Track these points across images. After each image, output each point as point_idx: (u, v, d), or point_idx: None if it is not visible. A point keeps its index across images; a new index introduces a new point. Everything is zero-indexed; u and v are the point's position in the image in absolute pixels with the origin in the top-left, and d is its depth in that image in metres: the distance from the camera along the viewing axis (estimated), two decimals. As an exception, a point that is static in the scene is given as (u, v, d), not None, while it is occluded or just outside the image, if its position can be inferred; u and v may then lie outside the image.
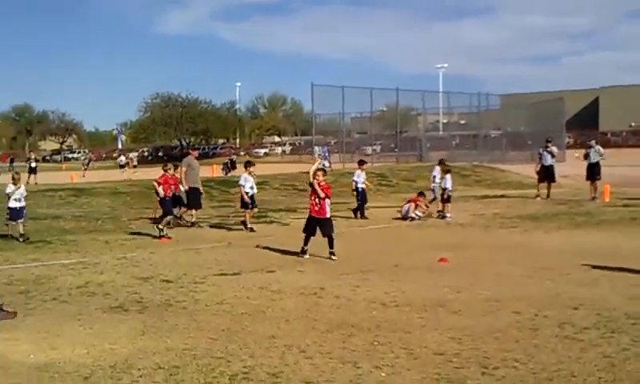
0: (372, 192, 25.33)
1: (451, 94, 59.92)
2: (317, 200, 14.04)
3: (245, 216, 19.06)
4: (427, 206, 21.85)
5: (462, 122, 63.82)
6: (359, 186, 22.40)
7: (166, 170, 18.84)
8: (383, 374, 6.77)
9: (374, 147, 55.46)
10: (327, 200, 14.09)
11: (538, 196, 27.22)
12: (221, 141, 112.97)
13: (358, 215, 21.70)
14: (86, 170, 60.16)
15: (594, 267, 12.05)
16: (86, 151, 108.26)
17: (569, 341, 7.73)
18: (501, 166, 45.79)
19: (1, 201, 18.55)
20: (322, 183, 14.19)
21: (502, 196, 29.64)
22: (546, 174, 27.45)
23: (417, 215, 20.97)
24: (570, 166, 36.27)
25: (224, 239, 17.19)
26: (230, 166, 50.19)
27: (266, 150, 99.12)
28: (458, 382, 6.51)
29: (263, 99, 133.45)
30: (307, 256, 13.94)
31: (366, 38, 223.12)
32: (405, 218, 21.01)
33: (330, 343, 7.83)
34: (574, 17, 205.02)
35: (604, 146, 30.95)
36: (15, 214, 17.30)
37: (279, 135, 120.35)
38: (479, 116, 56.83)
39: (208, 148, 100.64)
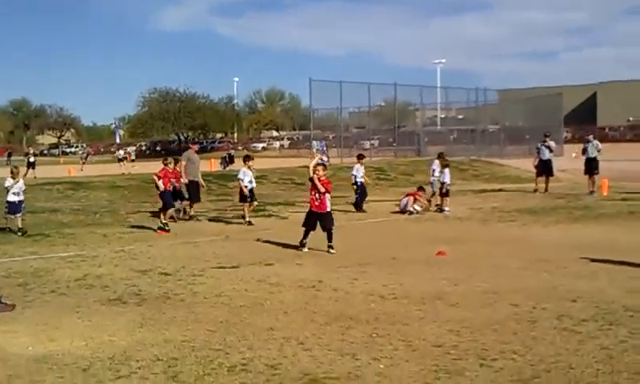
0: (370, 186, 25.31)
1: (449, 89, 59.83)
2: (317, 195, 14.04)
3: (243, 210, 19.06)
4: (429, 201, 21.83)
5: (460, 116, 63.77)
6: (358, 180, 22.42)
7: (166, 164, 18.81)
8: (382, 366, 6.77)
9: (372, 142, 55.45)
10: (327, 195, 14.08)
11: (536, 190, 27.24)
12: (219, 135, 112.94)
13: (359, 208, 21.75)
14: (84, 163, 60.17)
15: (593, 260, 12.06)
16: (84, 145, 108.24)
17: (567, 333, 7.74)
18: (499, 160, 45.82)
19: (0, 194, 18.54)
20: (322, 178, 14.19)
21: (500, 190, 29.65)
22: (544, 169, 27.48)
23: (415, 209, 20.96)
24: (568, 161, 36.31)
25: (222, 232, 17.20)
26: (228, 160, 50.21)
27: (264, 145, 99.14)
28: (456, 373, 6.52)
29: (261, 94, 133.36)
30: (306, 249, 13.96)
31: (363, 33, 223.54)
32: (403, 211, 21.01)
33: (328, 335, 7.84)
34: (572, 12, 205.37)
35: (602, 141, 30.94)
36: (14, 208, 17.28)
37: (277, 130, 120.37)
38: (477, 111, 56.78)
39: (206, 142, 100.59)
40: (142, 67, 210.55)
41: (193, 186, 20.21)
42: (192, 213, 20.21)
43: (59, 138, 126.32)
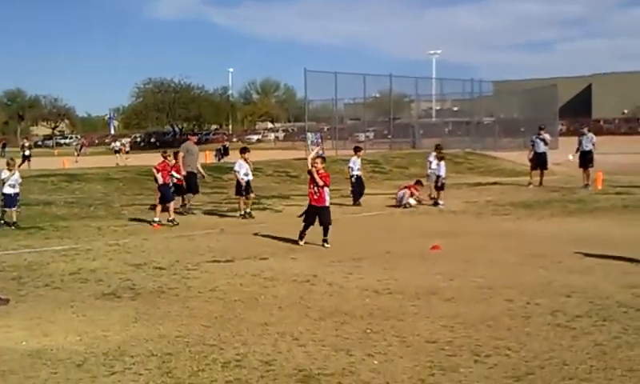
0: (364, 179, 25.26)
1: (444, 80, 59.82)
2: (315, 188, 13.97)
3: (239, 202, 19.04)
4: (430, 197, 21.78)
5: (455, 108, 63.71)
6: (355, 172, 22.36)
7: (165, 157, 18.75)
8: (376, 362, 6.78)
9: (367, 134, 55.33)
10: (326, 188, 14.02)
11: (530, 183, 27.26)
12: (213, 127, 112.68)
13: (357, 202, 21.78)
14: (78, 155, 60.04)
15: (587, 255, 12.08)
16: (79, 137, 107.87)
17: (561, 329, 7.76)
18: (493, 153, 45.80)
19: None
20: (321, 171, 14.09)
21: (495, 183, 29.65)
22: (539, 162, 27.48)
23: (409, 204, 20.94)
24: (563, 154, 36.28)
25: (217, 226, 17.18)
26: (223, 152, 50.09)
27: (259, 136, 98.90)
28: (450, 369, 6.53)
29: (256, 85, 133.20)
30: (302, 243, 13.91)
31: (358, 24, 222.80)
32: (399, 204, 21.00)
33: (322, 331, 7.85)
34: (567, 4, 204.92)
35: (597, 134, 30.99)
36: (9, 201, 17.23)
37: (272, 121, 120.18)
38: (472, 103, 56.72)
39: (201, 134, 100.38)
40: (136, 56, 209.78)
41: (191, 178, 20.20)
42: (189, 205, 20.17)
43: (53, 129, 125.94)
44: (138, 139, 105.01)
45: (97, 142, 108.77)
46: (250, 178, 19.12)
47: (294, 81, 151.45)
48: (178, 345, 7.39)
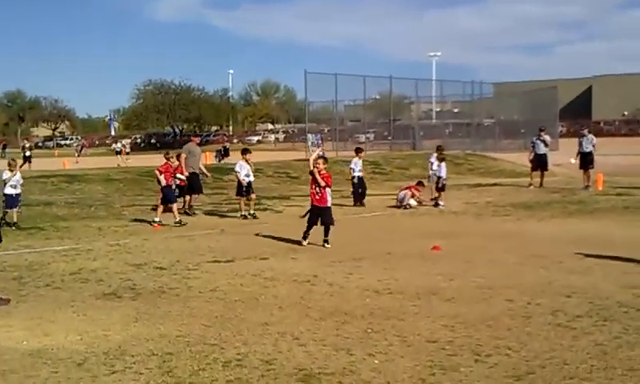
0: (365, 180, 25.26)
1: (444, 82, 59.83)
2: (317, 189, 13.95)
3: (239, 203, 19.06)
4: (432, 199, 21.75)
5: (456, 110, 63.68)
6: (356, 173, 22.35)
7: (168, 159, 18.75)
8: (377, 361, 6.78)
9: (368, 135, 55.33)
10: (328, 189, 14.00)
11: (531, 184, 27.27)
12: (214, 128, 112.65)
13: (358, 203, 21.76)
14: (78, 156, 60.05)
15: (587, 255, 12.08)
16: (79, 138, 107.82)
17: (561, 329, 7.76)
18: (494, 154, 45.81)
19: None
20: (323, 172, 14.07)
21: (495, 184, 29.68)
22: (539, 163, 27.50)
23: (409, 205, 20.93)
24: (563, 155, 36.28)
25: (217, 226, 17.18)
26: (224, 153, 50.08)
27: (259, 138, 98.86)
28: (450, 369, 6.53)
29: (256, 86, 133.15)
30: (306, 243, 13.89)
31: (357, 25, 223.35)
32: (400, 204, 20.99)
33: (323, 330, 7.85)
34: (566, 6, 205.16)
35: (597, 135, 30.92)
36: (11, 202, 17.25)
37: (272, 123, 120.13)
38: (472, 104, 56.72)
39: (201, 135, 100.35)
40: (136, 58, 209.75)
41: (193, 179, 20.22)
42: (192, 204, 20.16)
43: (54, 130, 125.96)
44: (139, 140, 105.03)
45: (97, 143, 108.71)
46: (252, 178, 19.13)
47: (293, 82, 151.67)
48: (179, 344, 7.39)
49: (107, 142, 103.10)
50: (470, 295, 9.47)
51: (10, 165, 18.03)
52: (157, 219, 17.39)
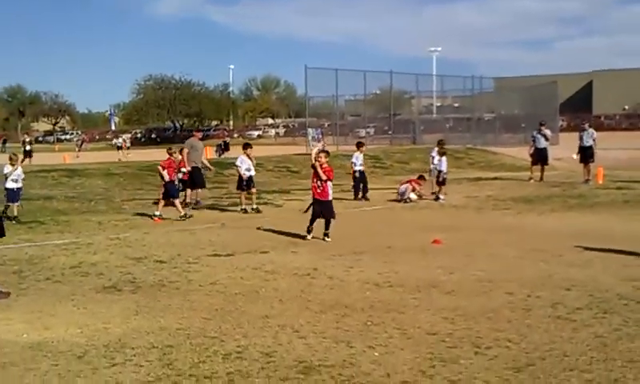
0: (365, 174, 25.26)
1: (445, 77, 59.75)
2: (319, 182, 13.94)
3: (240, 197, 19.07)
4: (433, 193, 21.74)
5: (456, 105, 63.68)
6: (357, 167, 22.32)
7: (170, 154, 18.75)
8: (377, 354, 6.78)
9: (368, 130, 55.34)
10: (329, 183, 13.99)
11: (531, 178, 27.28)
12: (214, 123, 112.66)
13: (360, 196, 21.75)
14: (79, 150, 60.05)
15: (587, 249, 12.08)
16: (79, 132, 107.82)
17: (561, 321, 7.77)
18: (494, 148, 45.80)
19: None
20: (325, 165, 14.06)
21: (496, 178, 29.69)
22: (540, 157, 27.49)
23: (409, 198, 20.92)
24: (564, 149, 36.27)
25: (218, 220, 17.19)
26: (224, 147, 50.12)
27: (260, 132, 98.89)
28: (450, 361, 6.53)
29: (256, 81, 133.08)
30: (310, 237, 13.87)
31: (357, 21, 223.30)
32: (401, 198, 20.99)
33: (323, 323, 7.85)
34: (566, 1, 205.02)
35: (597, 130, 30.87)
36: (12, 196, 17.27)
37: (273, 117, 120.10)
38: (473, 99, 56.67)
39: (204, 130, 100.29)
40: (137, 52, 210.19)
41: (196, 173, 20.23)
42: (188, 200, 20.16)
43: (54, 125, 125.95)
44: (139, 135, 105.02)
45: (97, 137, 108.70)
46: (253, 173, 19.14)
47: (293, 77, 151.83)
48: (179, 337, 7.39)
49: (107, 136, 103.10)
50: (470, 288, 9.47)
51: (11, 159, 18.05)
52: (157, 213, 17.39)
